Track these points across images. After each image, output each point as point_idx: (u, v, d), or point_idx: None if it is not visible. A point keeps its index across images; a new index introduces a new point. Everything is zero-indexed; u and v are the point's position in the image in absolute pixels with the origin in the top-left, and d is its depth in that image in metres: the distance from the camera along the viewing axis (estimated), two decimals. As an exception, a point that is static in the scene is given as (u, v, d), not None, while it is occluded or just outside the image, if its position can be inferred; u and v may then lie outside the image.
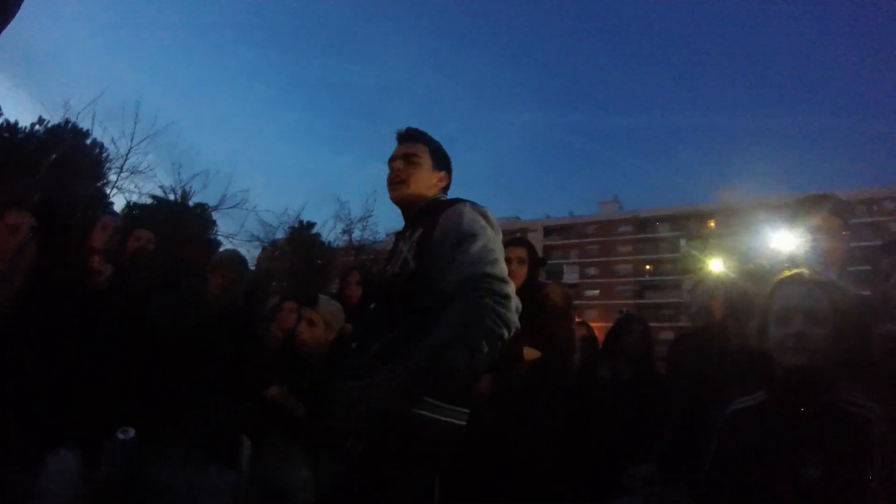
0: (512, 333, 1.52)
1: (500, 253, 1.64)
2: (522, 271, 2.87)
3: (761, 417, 1.62)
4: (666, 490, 2.29)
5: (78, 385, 2.24)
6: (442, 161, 1.97)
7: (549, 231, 57.34)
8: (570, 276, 53.79)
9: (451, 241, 1.62)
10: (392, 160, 1.93)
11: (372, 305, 1.91)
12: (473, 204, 1.75)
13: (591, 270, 54.19)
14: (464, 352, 1.44)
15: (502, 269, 1.59)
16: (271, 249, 23.28)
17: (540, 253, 3.31)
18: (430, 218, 1.73)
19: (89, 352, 2.35)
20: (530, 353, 2.69)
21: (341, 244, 22.99)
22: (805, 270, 1.72)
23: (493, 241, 1.65)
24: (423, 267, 1.67)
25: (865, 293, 2.22)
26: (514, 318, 1.53)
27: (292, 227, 23.57)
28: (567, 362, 2.93)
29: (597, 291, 52.58)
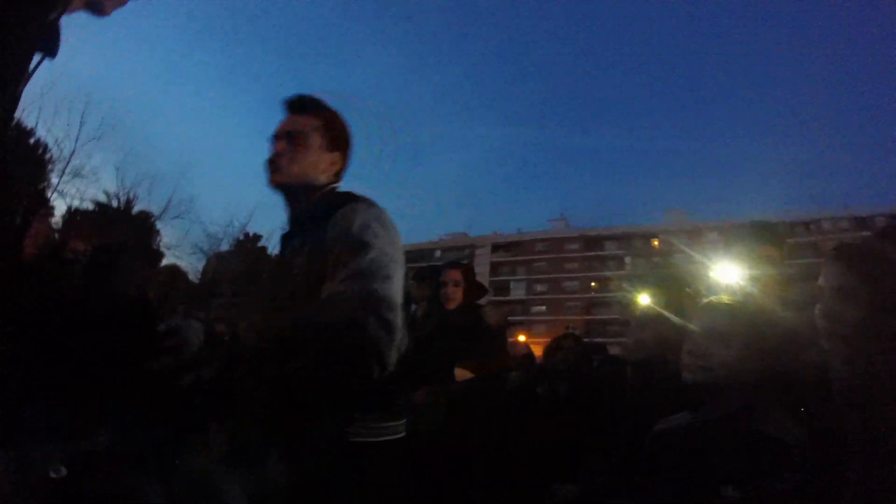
0: (383, 374, 1.31)
1: (394, 267, 1.39)
2: (459, 294, 3.00)
3: (682, 437, 1.67)
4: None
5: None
6: (337, 140, 1.63)
7: (497, 247, 57.92)
8: (518, 292, 54.45)
9: (344, 246, 1.38)
10: (274, 137, 1.60)
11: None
12: (370, 204, 1.49)
13: (539, 287, 54.90)
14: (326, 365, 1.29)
15: (396, 289, 1.37)
16: (215, 261, 22.78)
17: (487, 269, 3.44)
18: (318, 223, 1.47)
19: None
20: (462, 373, 2.81)
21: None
22: (725, 297, 1.82)
23: (387, 252, 1.39)
24: (315, 269, 1.43)
25: (787, 315, 2.20)
26: (393, 358, 1.31)
27: (238, 239, 23.15)
28: (500, 381, 3.05)
29: (544, 307, 53.32)
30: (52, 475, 2.13)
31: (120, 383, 2.37)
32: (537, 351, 4.73)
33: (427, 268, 3.56)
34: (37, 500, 2.02)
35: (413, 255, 52.49)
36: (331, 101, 1.67)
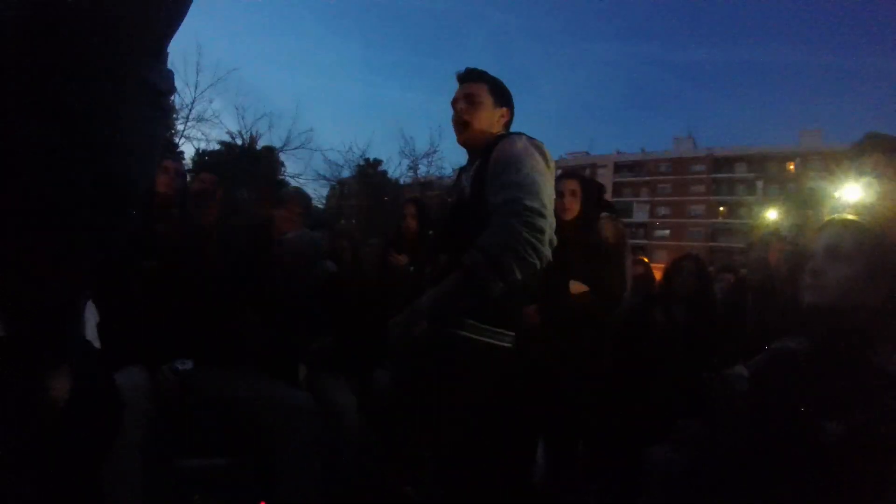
0: (543, 265, 1.61)
1: (544, 185, 1.68)
2: (575, 205, 2.81)
3: (794, 362, 1.54)
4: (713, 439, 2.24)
5: (147, 313, 2.41)
6: (503, 97, 2.00)
7: (619, 167, 55.35)
8: (640, 214, 52.28)
9: (499, 167, 1.70)
10: (454, 102, 1.98)
11: (430, 233, 2.00)
12: (529, 137, 1.80)
13: (662, 210, 52.38)
14: (494, 276, 1.55)
15: (543, 201, 1.63)
16: (339, 188, 23.78)
17: (609, 190, 3.24)
18: (487, 151, 1.80)
19: (155, 283, 2.50)
20: (577, 287, 2.67)
21: (408, 180, 23.12)
22: (848, 216, 1.61)
23: (539, 172, 1.69)
24: (478, 195, 1.76)
25: None
26: (547, 252, 1.61)
27: (359, 166, 23.85)
28: (615, 299, 2.88)
29: (667, 232, 50.99)
30: (178, 367, 2.33)
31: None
32: (658, 276, 4.46)
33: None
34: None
35: None
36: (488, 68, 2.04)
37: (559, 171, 2.50)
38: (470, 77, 2.00)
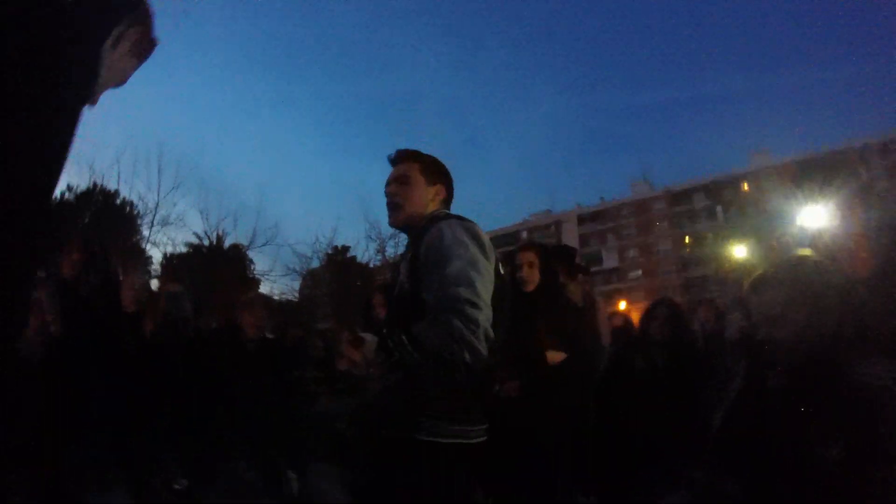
0: (478, 360, 1.55)
1: (479, 274, 1.63)
2: (535, 275, 2.87)
3: (771, 400, 1.60)
4: (718, 483, 2.22)
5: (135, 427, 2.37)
6: (436, 175, 1.96)
7: (582, 219, 56.41)
8: (610, 260, 52.94)
9: (431, 263, 1.66)
10: (386, 185, 1.95)
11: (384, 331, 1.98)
12: (459, 220, 1.75)
13: (631, 252, 53.16)
14: (433, 373, 1.55)
15: (477, 290, 1.59)
16: (310, 279, 23.75)
17: (577, 242, 3.30)
18: (419, 237, 1.77)
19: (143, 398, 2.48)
20: (554, 356, 2.69)
21: (377, 262, 23.19)
22: (807, 252, 1.67)
23: (471, 261, 1.64)
24: (414, 290, 1.72)
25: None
26: (483, 348, 1.55)
27: (327, 254, 23.92)
28: (592, 359, 2.89)
29: (640, 272, 51.57)
30: (176, 487, 2.27)
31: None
32: (638, 317, 4.51)
33: (504, 254, 3.49)
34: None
35: (499, 240, 52.05)
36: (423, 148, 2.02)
37: (519, 242, 2.54)
38: (400, 158, 1.97)
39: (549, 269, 2.96)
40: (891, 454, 1.34)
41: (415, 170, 1.92)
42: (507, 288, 1.86)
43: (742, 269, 2.93)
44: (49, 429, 2.22)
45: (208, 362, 2.86)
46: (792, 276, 1.60)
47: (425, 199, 1.91)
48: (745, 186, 47.26)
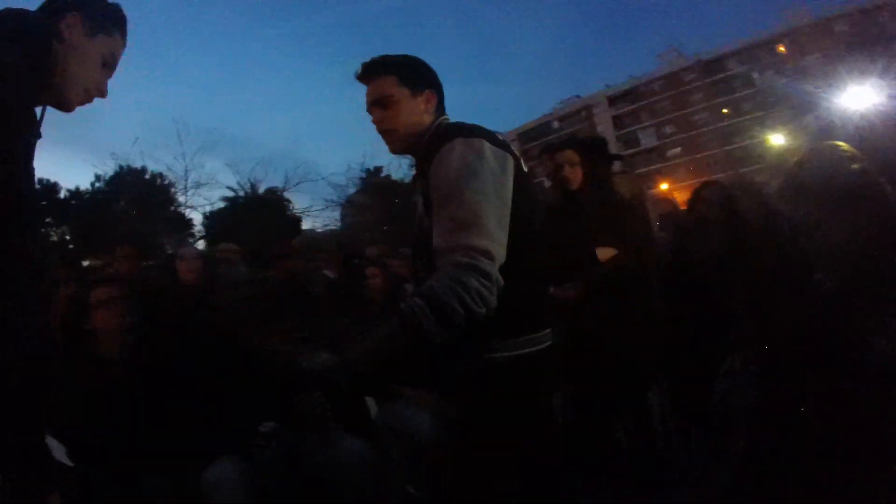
0: (490, 313, 1.39)
1: (491, 206, 1.43)
2: (577, 173, 2.80)
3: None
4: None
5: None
6: (419, 79, 1.68)
7: (613, 100, 53.99)
8: (648, 140, 51.24)
9: (440, 198, 1.47)
10: (368, 110, 1.69)
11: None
12: (463, 139, 1.50)
13: (668, 129, 51.14)
14: (436, 324, 1.36)
15: (489, 230, 1.41)
16: (349, 206, 23.90)
17: (610, 126, 3.20)
18: (428, 160, 1.55)
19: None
20: (604, 252, 2.68)
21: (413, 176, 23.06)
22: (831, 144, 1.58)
23: (483, 192, 1.43)
24: (430, 226, 1.54)
25: None
26: (493, 300, 1.39)
27: (362, 179, 23.92)
28: (646, 253, 2.85)
29: (679, 149, 49.86)
30: (262, 430, 2.42)
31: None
32: (682, 197, 4.43)
33: (542, 147, 3.44)
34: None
35: (532, 133, 51.93)
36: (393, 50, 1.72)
37: (562, 130, 2.40)
38: (370, 72, 1.67)
39: (591, 161, 2.87)
40: None
41: (392, 84, 1.64)
42: (531, 186, 1.67)
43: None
44: (182, 428, 2.30)
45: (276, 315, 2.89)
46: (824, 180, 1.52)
47: (416, 112, 1.65)
48: (781, 47, 44.41)
